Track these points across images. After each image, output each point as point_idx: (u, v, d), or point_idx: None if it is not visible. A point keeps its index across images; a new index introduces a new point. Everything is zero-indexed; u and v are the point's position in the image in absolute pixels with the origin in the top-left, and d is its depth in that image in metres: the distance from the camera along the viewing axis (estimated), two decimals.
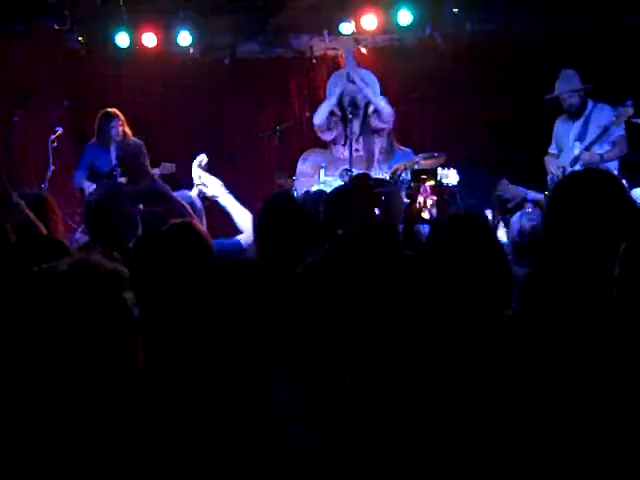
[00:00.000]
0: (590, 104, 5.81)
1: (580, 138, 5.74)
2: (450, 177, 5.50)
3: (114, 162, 6.12)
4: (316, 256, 3.01)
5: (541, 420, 1.88)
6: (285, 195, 3.66)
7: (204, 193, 4.35)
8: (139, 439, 1.56)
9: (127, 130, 6.22)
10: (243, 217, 3.93)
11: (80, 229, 6.03)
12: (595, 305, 1.96)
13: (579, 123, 5.82)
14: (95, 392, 1.47)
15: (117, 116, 6.18)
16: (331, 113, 6.07)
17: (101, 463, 1.47)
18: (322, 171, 5.86)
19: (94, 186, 6.14)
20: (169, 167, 6.04)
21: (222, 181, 4.85)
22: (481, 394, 1.97)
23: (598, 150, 5.64)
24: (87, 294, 1.48)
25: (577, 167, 5.54)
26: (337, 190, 3.67)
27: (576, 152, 5.69)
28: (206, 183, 4.32)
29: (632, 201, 2.24)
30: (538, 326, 2.03)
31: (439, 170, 5.51)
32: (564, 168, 5.65)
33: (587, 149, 5.64)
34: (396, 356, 1.94)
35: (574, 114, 5.85)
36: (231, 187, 5.10)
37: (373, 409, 1.88)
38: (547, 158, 6.06)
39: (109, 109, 6.22)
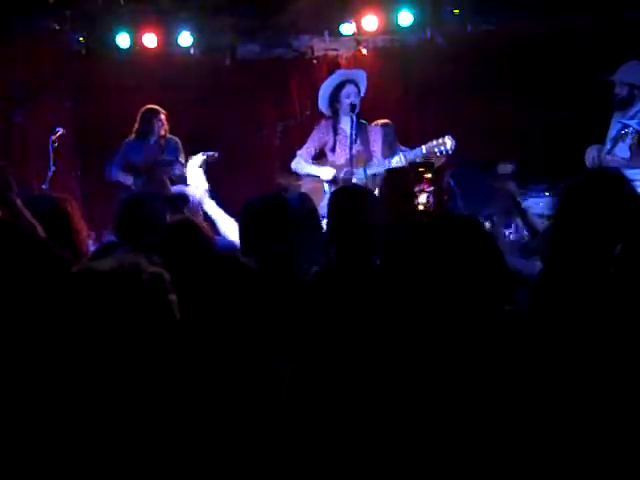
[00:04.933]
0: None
1: (616, 138, 5.40)
2: (447, 144, 5.48)
3: (156, 157, 6.16)
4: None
5: (544, 415, 1.88)
6: (272, 197, 3.64)
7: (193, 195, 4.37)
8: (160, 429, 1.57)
9: (167, 127, 6.31)
10: (227, 225, 3.94)
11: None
12: (605, 302, 1.97)
13: (622, 121, 5.44)
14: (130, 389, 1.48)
15: (160, 112, 6.26)
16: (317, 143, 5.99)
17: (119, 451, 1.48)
18: (326, 185, 5.82)
19: (132, 179, 6.19)
20: (211, 155, 5.90)
21: (221, 181, 4.87)
22: (484, 390, 1.98)
23: (621, 153, 5.35)
24: (134, 295, 1.49)
25: None
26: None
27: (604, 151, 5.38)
28: (197, 185, 4.35)
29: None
30: (546, 322, 2.03)
31: (433, 142, 5.48)
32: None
33: (610, 152, 5.37)
34: (397, 353, 1.95)
35: (618, 106, 5.49)
36: (231, 187, 5.10)
37: (375, 407, 1.88)
38: (591, 147, 5.52)
39: (151, 106, 6.27)
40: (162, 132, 6.27)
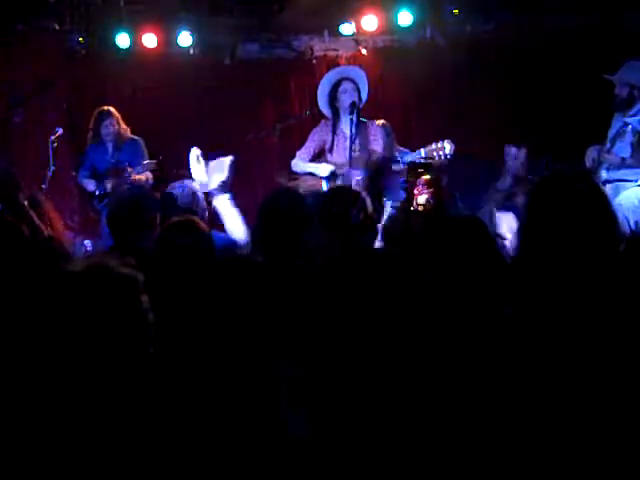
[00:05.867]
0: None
1: (615, 137, 5.44)
2: (445, 148, 5.47)
3: (111, 162, 6.19)
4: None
5: (540, 417, 1.88)
6: (287, 192, 3.64)
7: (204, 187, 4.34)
8: (145, 432, 1.56)
9: (122, 128, 6.29)
10: (235, 226, 3.87)
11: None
12: (571, 302, 1.98)
13: (621, 121, 5.46)
14: (105, 390, 1.48)
15: (109, 114, 6.24)
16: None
17: (105, 454, 1.47)
18: (324, 183, 5.81)
19: (94, 183, 6.24)
20: (150, 164, 6.12)
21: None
22: (481, 388, 1.98)
23: (622, 152, 5.34)
24: (104, 296, 1.48)
25: (602, 168, 5.30)
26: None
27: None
28: (205, 178, 4.30)
29: (608, 203, 2.24)
30: (537, 323, 2.04)
31: (433, 146, 5.47)
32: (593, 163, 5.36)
33: (608, 151, 5.38)
34: (394, 352, 1.94)
35: (618, 106, 5.49)
36: (230, 187, 5.05)
37: (372, 403, 1.88)
38: (591, 147, 5.53)
39: (103, 107, 6.29)
40: (111, 136, 6.23)
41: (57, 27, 7.09)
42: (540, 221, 2.14)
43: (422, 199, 5.03)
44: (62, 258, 3.17)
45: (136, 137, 6.33)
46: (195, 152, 4.61)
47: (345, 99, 5.69)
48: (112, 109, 6.30)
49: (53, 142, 6.24)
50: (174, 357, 2.16)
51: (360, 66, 6.36)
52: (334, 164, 5.79)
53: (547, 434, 1.86)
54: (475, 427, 1.92)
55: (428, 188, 5.04)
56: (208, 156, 4.69)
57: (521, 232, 2.25)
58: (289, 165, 6.07)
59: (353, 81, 5.75)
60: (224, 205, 3.95)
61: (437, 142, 5.44)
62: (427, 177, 4.98)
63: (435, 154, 5.46)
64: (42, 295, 1.50)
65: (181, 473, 1.70)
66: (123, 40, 7.08)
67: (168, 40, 7.19)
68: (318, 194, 4.08)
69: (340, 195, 3.43)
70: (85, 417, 1.48)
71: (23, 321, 1.55)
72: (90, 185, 6.29)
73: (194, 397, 1.96)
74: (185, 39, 7.16)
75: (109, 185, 6.17)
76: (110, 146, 6.28)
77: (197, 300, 2.20)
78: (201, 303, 2.18)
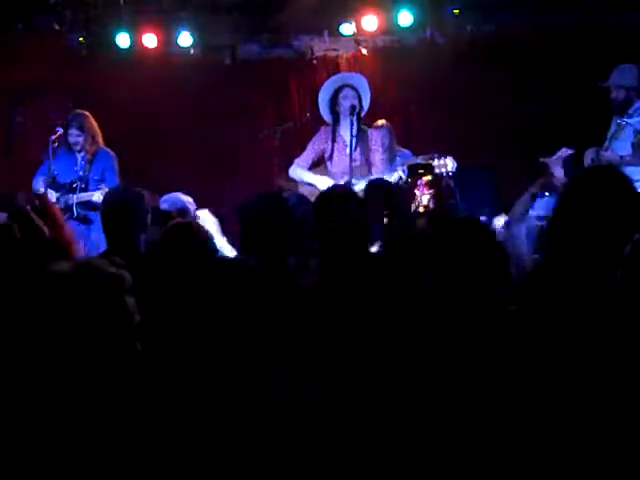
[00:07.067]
0: (637, 104, 5.52)
1: (612, 136, 5.50)
2: (448, 165, 5.48)
3: (79, 174, 5.91)
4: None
5: (546, 413, 1.88)
6: (271, 196, 3.64)
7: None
8: (139, 435, 1.57)
9: (91, 140, 5.91)
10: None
11: None
12: (600, 299, 1.97)
13: (621, 120, 5.51)
14: (93, 390, 1.48)
15: (77, 123, 5.94)
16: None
17: (97, 456, 1.47)
18: None
19: (56, 195, 5.79)
20: None
21: (223, 182, 4.85)
22: (487, 388, 1.98)
23: (620, 151, 5.38)
24: (88, 296, 1.49)
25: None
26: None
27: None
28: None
29: None
30: (544, 320, 2.04)
31: (435, 162, 5.47)
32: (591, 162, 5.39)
33: (606, 149, 5.42)
34: (399, 350, 1.95)
35: (616, 109, 5.56)
36: (231, 188, 5.08)
37: (375, 402, 1.88)
38: (590, 149, 5.57)
39: (76, 111, 6.01)
40: (79, 146, 5.89)
41: (57, 27, 7.09)
42: (574, 216, 2.15)
43: (424, 200, 5.05)
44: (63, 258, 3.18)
45: (109, 151, 5.95)
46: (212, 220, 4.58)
47: (346, 104, 5.70)
48: (85, 115, 5.93)
49: (53, 142, 6.21)
50: (171, 356, 2.16)
51: (362, 73, 6.36)
52: (334, 173, 5.78)
53: (552, 435, 1.87)
54: (479, 428, 1.92)
55: (429, 189, 5.06)
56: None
57: (553, 226, 2.25)
58: (288, 168, 6.06)
59: (355, 88, 5.77)
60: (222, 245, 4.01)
61: (439, 158, 5.44)
62: (428, 178, 5.00)
63: (437, 171, 5.47)
64: (26, 294, 1.51)
65: (173, 471, 1.70)
66: (123, 40, 7.08)
67: (168, 40, 7.19)
68: (304, 200, 4.08)
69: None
70: (70, 411, 1.48)
71: (8, 320, 1.55)
72: (50, 196, 5.65)
73: (188, 396, 1.96)
74: (185, 39, 7.16)
75: (70, 198, 5.76)
76: (79, 157, 5.95)
77: (195, 300, 2.20)
78: (199, 303, 2.18)
